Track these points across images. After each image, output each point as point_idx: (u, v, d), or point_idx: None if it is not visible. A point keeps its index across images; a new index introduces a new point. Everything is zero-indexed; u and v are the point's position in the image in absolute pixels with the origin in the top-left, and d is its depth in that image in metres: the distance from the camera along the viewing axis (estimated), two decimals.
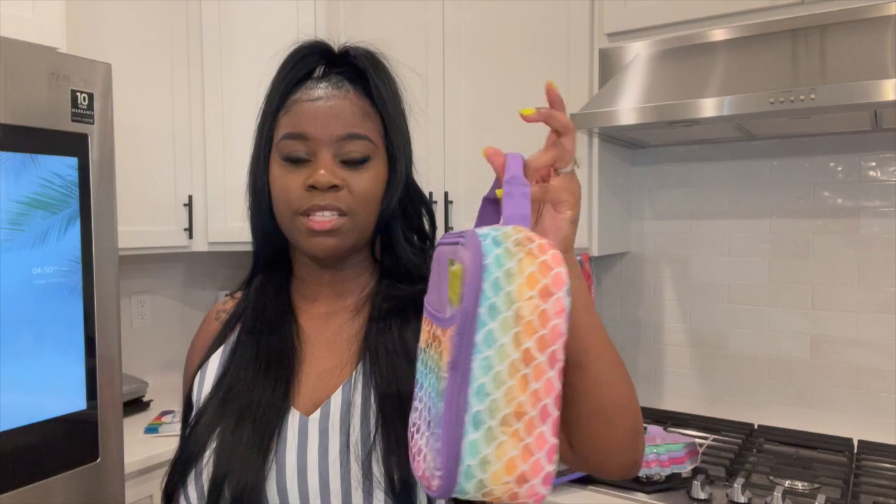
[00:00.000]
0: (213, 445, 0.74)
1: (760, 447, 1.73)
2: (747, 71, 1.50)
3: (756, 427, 1.87)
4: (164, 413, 2.00)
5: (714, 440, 1.77)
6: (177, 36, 2.17)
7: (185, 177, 2.20)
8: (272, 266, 0.86)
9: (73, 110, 1.44)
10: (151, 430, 1.87)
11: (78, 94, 1.45)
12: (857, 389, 1.79)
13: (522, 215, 0.55)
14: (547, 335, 0.48)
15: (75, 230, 1.44)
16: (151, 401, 2.11)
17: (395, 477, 0.70)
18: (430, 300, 0.58)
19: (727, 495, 1.44)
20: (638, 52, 1.73)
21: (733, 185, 1.94)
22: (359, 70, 0.80)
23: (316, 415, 0.75)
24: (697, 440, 1.69)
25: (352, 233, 0.77)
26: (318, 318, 0.83)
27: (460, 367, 0.47)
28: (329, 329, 0.82)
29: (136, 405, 2.04)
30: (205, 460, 0.74)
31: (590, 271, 1.86)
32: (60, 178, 1.42)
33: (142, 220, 2.06)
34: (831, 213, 1.81)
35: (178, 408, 2.06)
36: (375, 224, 0.80)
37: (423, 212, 0.86)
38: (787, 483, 1.48)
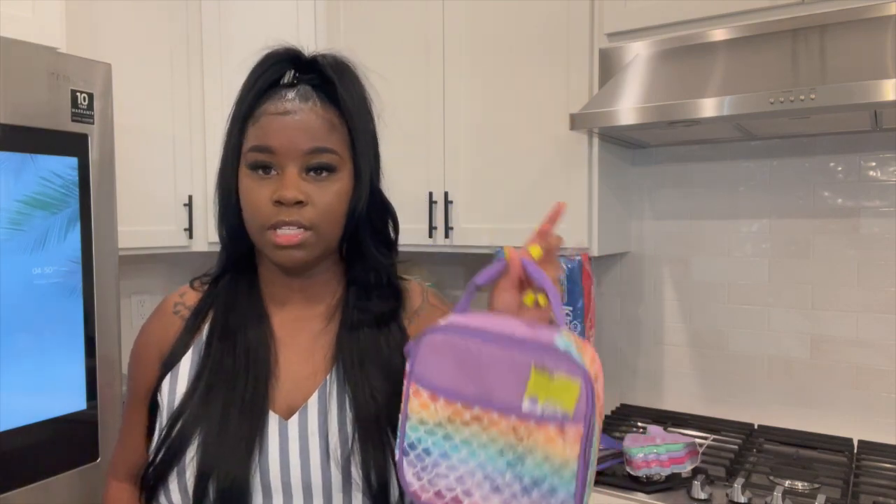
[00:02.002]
0: (195, 443, 0.75)
1: (760, 447, 1.73)
2: (747, 71, 1.50)
3: (756, 427, 1.87)
4: None
5: (714, 440, 1.77)
6: (177, 36, 2.17)
7: (185, 177, 2.20)
8: (241, 266, 0.87)
9: (73, 110, 1.44)
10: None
11: (78, 94, 1.44)
12: (857, 389, 1.79)
13: (563, 318, 0.69)
14: (601, 408, 0.65)
15: (75, 230, 1.44)
16: None
17: (373, 479, 0.75)
18: (439, 379, 0.68)
19: (727, 495, 1.44)
20: (638, 52, 1.73)
21: (733, 185, 1.94)
22: (327, 78, 0.81)
23: (294, 419, 0.78)
24: (697, 440, 1.69)
25: (317, 246, 0.79)
26: (290, 321, 0.85)
27: (586, 456, 0.62)
28: (302, 334, 0.84)
29: None
30: (188, 458, 0.75)
31: (590, 271, 1.86)
32: (60, 178, 1.42)
33: (142, 220, 2.06)
34: (831, 213, 1.81)
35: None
36: (341, 234, 0.82)
37: (389, 220, 0.88)
38: (787, 483, 1.48)
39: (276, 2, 2.25)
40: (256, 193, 0.78)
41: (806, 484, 1.48)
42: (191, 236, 2.21)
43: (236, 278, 0.87)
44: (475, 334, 0.67)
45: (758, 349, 1.92)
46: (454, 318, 0.69)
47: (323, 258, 0.83)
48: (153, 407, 0.84)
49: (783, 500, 1.36)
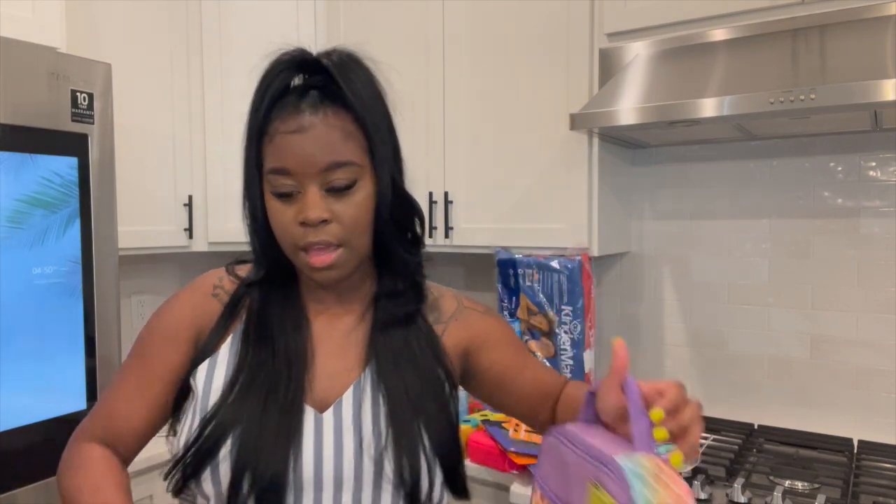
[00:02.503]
0: (233, 436, 0.76)
1: (760, 447, 1.73)
2: (747, 71, 1.50)
3: (756, 427, 1.87)
4: None
5: (714, 440, 1.77)
6: (177, 36, 2.17)
7: (185, 177, 2.20)
8: (275, 267, 0.87)
9: (73, 110, 1.44)
10: None
11: (78, 94, 1.45)
12: (857, 389, 1.79)
13: (649, 445, 0.64)
14: None
15: (75, 230, 1.44)
16: None
17: (406, 474, 0.77)
18: (548, 483, 0.72)
19: (727, 495, 1.44)
20: (638, 52, 1.73)
21: (733, 185, 1.94)
22: (336, 80, 0.79)
23: (329, 413, 0.80)
24: None
25: (350, 261, 0.81)
26: (326, 317, 0.87)
27: None
28: (337, 331, 0.86)
29: None
30: (224, 451, 0.76)
31: (590, 271, 1.86)
32: (60, 178, 1.42)
33: (142, 220, 2.06)
34: (831, 213, 1.81)
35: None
36: (372, 240, 0.83)
37: (415, 218, 0.88)
38: (787, 483, 1.48)
39: (276, 2, 2.25)
40: (282, 216, 0.79)
41: (806, 484, 1.48)
42: (191, 236, 2.21)
43: (274, 275, 0.88)
44: (573, 442, 0.70)
45: (758, 349, 1.92)
46: (568, 426, 0.73)
47: (358, 269, 0.85)
48: (182, 392, 0.84)
49: (783, 500, 1.36)
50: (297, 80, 0.82)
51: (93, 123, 1.48)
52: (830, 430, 1.81)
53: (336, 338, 0.86)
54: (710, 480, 1.49)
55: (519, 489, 1.57)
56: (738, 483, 1.42)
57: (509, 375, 0.94)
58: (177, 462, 0.79)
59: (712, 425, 1.88)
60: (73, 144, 1.44)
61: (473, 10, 1.99)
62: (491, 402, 0.97)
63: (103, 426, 0.87)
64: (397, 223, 0.84)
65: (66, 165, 1.43)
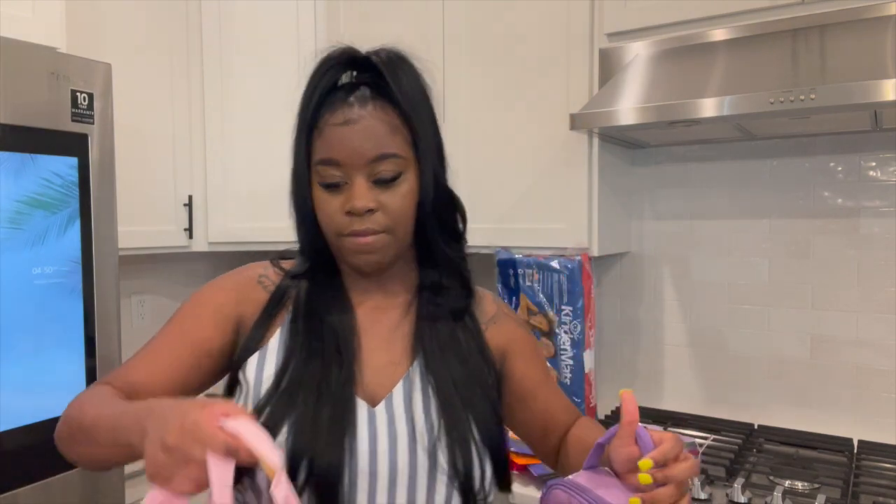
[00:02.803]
0: (286, 427, 0.77)
1: (760, 447, 1.73)
2: (747, 71, 1.50)
3: (756, 427, 1.87)
4: None
5: (714, 440, 1.77)
6: (177, 36, 2.17)
7: (185, 177, 2.20)
8: (321, 260, 0.89)
9: (73, 110, 1.44)
10: None
11: (78, 94, 1.45)
12: (857, 389, 1.79)
13: None
14: None
15: (75, 230, 1.44)
16: None
17: (459, 465, 0.78)
18: None
19: (727, 495, 1.44)
20: (638, 52, 1.73)
21: (733, 185, 1.94)
22: (383, 77, 0.83)
23: (381, 406, 0.81)
24: (697, 440, 1.69)
25: (391, 247, 0.83)
26: (371, 310, 0.88)
27: None
28: (381, 325, 0.88)
29: None
30: (278, 440, 0.76)
31: (590, 271, 1.86)
32: (60, 178, 1.42)
33: (142, 220, 2.06)
34: (831, 213, 1.81)
35: None
36: (413, 232, 0.85)
37: (456, 213, 0.91)
38: (787, 483, 1.48)
39: (277, 2, 2.25)
40: (329, 205, 0.82)
41: (806, 484, 1.48)
42: (191, 236, 2.21)
43: (319, 268, 0.89)
44: (581, 494, 0.72)
45: (758, 349, 1.92)
46: (574, 477, 0.74)
47: (398, 257, 0.87)
48: (231, 385, 0.85)
49: (783, 500, 1.36)
50: (345, 78, 0.84)
51: (93, 123, 1.47)
52: (830, 430, 1.81)
53: (381, 331, 0.87)
54: (710, 480, 1.49)
55: (519, 489, 1.57)
56: (738, 483, 1.42)
57: (532, 391, 0.95)
58: None
59: (712, 425, 1.88)
60: (73, 144, 1.44)
61: (473, 10, 1.99)
62: (512, 414, 0.96)
63: (123, 380, 0.85)
64: (439, 217, 0.87)
65: (66, 165, 1.42)
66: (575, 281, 1.81)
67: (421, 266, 0.91)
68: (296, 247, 0.91)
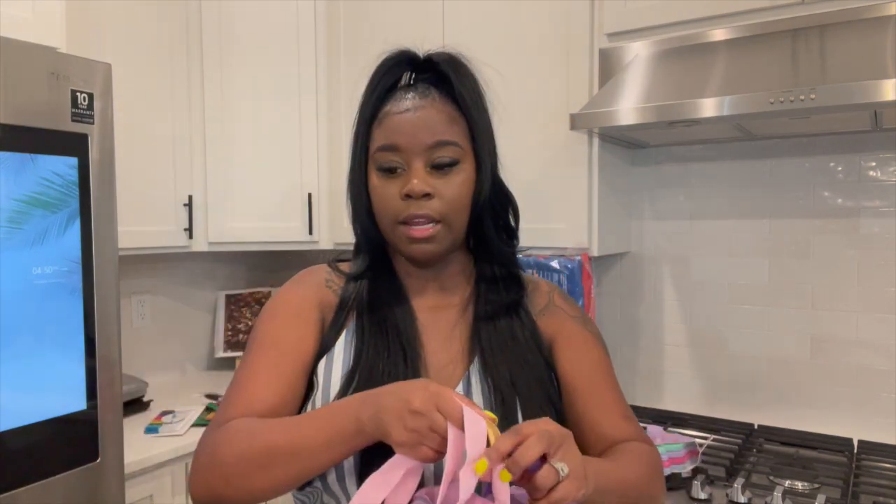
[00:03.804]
0: None
1: (760, 447, 1.73)
2: (747, 71, 1.50)
3: (756, 427, 1.87)
4: (164, 413, 2.00)
5: (714, 440, 1.77)
6: (177, 36, 2.17)
7: (185, 177, 2.20)
8: (378, 259, 0.91)
9: (73, 110, 1.44)
10: (151, 430, 1.87)
11: (78, 94, 1.44)
12: (857, 389, 1.79)
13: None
14: None
15: (75, 230, 1.44)
16: (151, 401, 2.11)
17: None
18: None
19: (727, 495, 1.44)
20: (638, 52, 1.73)
21: (733, 185, 1.94)
22: (443, 75, 0.85)
23: None
24: (697, 440, 1.69)
25: (447, 238, 0.84)
26: (428, 310, 0.90)
27: None
28: (440, 323, 0.89)
29: (136, 405, 2.04)
30: None
31: (590, 271, 1.86)
32: (60, 178, 1.42)
33: (142, 220, 2.06)
34: (831, 213, 1.81)
35: (179, 408, 2.06)
36: (468, 224, 0.86)
37: (509, 208, 0.93)
38: (787, 483, 1.48)
39: (276, 2, 2.25)
40: (386, 190, 0.83)
41: (806, 484, 1.48)
42: (191, 236, 2.21)
43: (376, 271, 0.90)
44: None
45: (758, 349, 1.92)
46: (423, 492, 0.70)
47: (452, 250, 0.88)
48: (309, 386, 0.85)
49: (783, 500, 1.36)
50: (406, 77, 0.87)
51: (93, 123, 1.47)
52: (830, 430, 1.81)
53: (441, 331, 0.88)
54: (710, 480, 1.49)
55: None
56: (738, 483, 1.42)
57: (569, 390, 0.90)
58: None
59: (712, 425, 1.88)
60: (73, 144, 1.44)
61: (473, 10, 1.99)
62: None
63: (249, 410, 0.81)
64: (493, 212, 0.89)
65: (66, 165, 1.42)
66: (575, 281, 1.81)
67: (476, 262, 0.93)
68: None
